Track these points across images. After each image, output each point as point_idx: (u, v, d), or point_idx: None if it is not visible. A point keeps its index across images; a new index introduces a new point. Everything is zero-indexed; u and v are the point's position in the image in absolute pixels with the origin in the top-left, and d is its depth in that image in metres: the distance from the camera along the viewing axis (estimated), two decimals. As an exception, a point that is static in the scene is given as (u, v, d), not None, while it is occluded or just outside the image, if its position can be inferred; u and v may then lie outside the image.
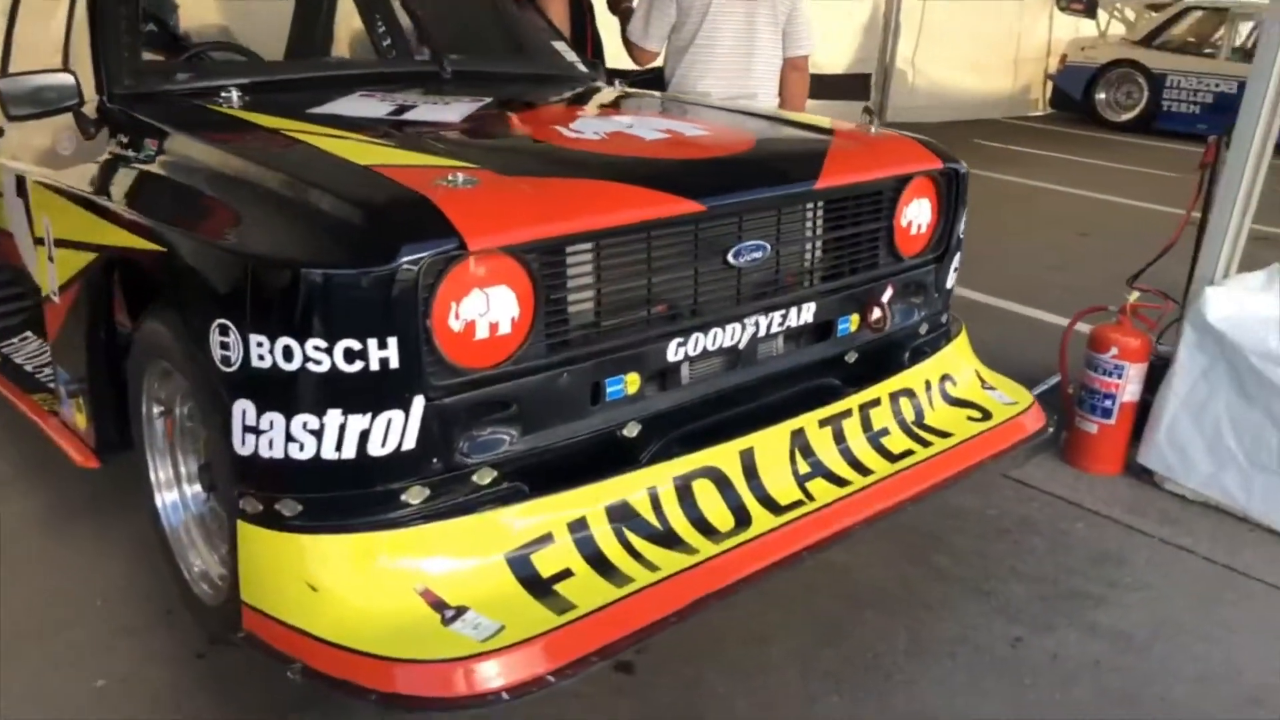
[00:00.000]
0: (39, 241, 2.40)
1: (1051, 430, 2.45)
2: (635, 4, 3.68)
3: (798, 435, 2.04)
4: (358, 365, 1.56)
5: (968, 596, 2.39)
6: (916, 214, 2.35)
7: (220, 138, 2.06)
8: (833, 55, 8.39)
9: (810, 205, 2.16)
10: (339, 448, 1.60)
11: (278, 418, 1.60)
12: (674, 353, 1.94)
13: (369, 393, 1.59)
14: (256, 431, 1.62)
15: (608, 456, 1.85)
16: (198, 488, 2.11)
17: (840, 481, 2.03)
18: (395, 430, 1.61)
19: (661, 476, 1.84)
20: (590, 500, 1.75)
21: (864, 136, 2.45)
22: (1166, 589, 2.47)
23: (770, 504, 1.92)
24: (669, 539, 1.79)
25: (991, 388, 2.46)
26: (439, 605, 1.58)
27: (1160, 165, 8.32)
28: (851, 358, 2.31)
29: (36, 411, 2.56)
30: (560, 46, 3.26)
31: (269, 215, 1.72)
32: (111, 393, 2.21)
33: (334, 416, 1.59)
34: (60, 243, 2.27)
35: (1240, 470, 2.75)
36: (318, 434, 1.59)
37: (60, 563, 2.41)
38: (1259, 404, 2.70)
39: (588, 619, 1.58)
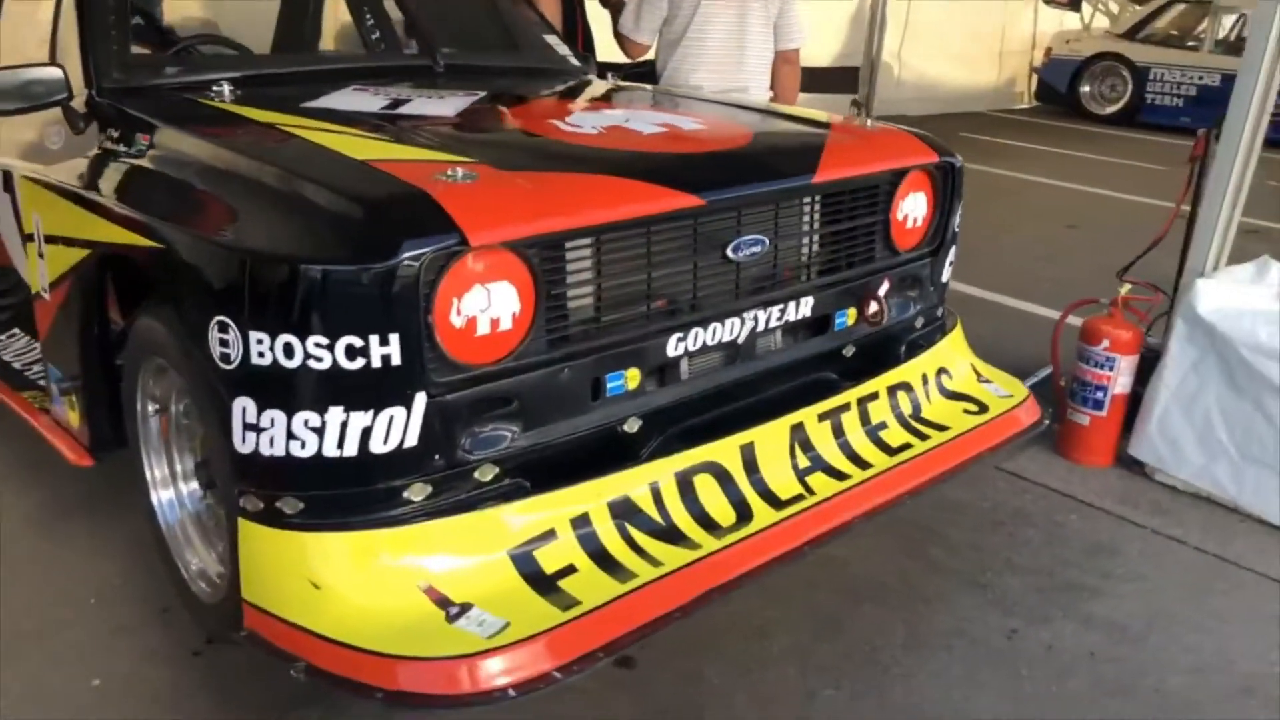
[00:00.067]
0: (28, 238, 2.37)
1: (1047, 423, 2.46)
2: (627, -3, 3.67)
3: (797, 430, 2.04)
4: (359, 362, 1.55)
5: (964, 589, 2.41)
6: (912, 208, 2.36)
7: (214, 132, 2.05)
8: (821, 48, 8.40)
9: (808, 199, 2.16)
10: (341, 445, 1.59)
11: (279, 415, 1.58)
12: (674, 348, 1.94)
13: (371, 390, 1.58)
14: (257, 429, 1.61)
15: (609, 452, 1.84)
16: (194, 485, 2.10)
17: (840, 475, 2.03)
18: (397, 427, 1.60)
19: (663, 472, 1.84)
20: (592, 496, 1.75)
21: (860, 130, 2.46)
22: (1159, 580, 2.49)
23: (771, 498, 1.92)
24: (671, 534, 1.79)
25: (987, 381, 2.47)
26: (443, 602, 1.57)
27: (1146, 158, 8.38)
28: (849, 352, 2.32)
29: (27, 409, 2.54)
30: (552, 40, 3.24)
31: (268, 211, 1.71)
32: (104, 390, 2.19)
33: (335, 414, 1.58)
34: (50, 239, 2.25)
35: (1231, 462, 2.77)
36: (319, 431, 1.58)
37: (56, 562, 2.39)
38: (1249, 396, 2.72)
39: (593, 615, 1.58)
